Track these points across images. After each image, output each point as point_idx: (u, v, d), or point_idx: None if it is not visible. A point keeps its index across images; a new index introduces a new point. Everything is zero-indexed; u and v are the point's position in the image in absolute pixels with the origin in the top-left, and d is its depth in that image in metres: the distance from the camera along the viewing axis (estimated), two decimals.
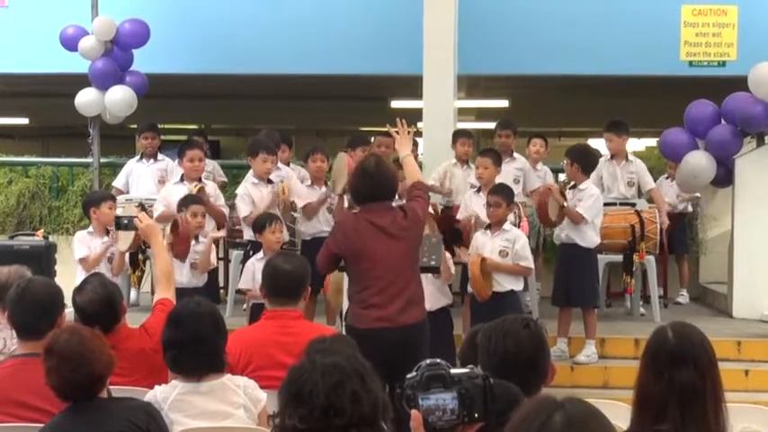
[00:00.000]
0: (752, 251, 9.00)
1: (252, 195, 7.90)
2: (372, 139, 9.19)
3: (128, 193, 9.34)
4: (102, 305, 4.50)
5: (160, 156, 9.60)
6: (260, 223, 7.32)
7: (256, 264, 6.99)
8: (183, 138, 10.50)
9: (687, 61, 11.36)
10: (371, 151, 7.79)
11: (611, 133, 9.02)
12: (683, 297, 10.00)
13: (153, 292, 9.01)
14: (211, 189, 8.24)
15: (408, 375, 2.38)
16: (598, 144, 10.36)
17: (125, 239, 7.27)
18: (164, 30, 10.48)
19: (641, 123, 13.20)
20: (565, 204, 7.70)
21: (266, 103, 16.21)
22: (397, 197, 6.91)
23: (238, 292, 7.87)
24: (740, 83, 8.93)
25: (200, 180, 8.24)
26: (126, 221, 5.56)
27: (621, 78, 11.98)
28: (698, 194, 9.88)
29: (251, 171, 8.10)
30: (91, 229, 7.47)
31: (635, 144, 14.55)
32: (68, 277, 6.93)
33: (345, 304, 6.14)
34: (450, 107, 9.49)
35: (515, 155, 9.11)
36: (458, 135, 9.06)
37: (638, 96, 13.49)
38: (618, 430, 2.53)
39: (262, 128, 9.91)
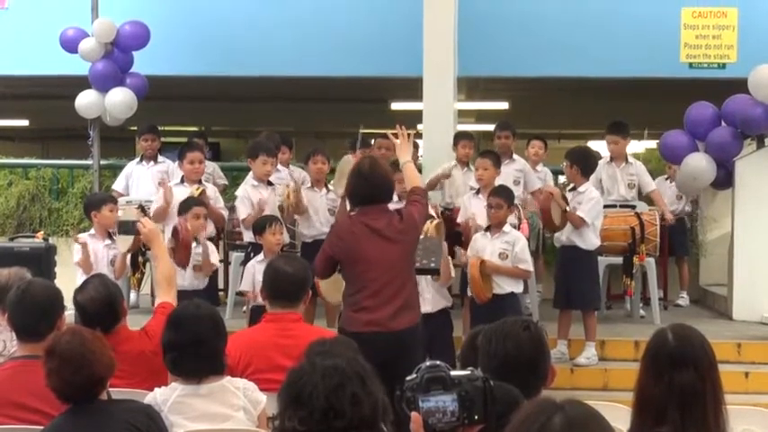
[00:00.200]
0: (752, 253, 9.00)
1: (251, 197, 7.91)
2: (373, 141, 9.20)
3: (128, 195, 9.34)
4: (102, 304, 4.50)
5: (160, 158, 9.60)
6: (260, 225, 7.33)
7: (256, 266, 7.00)
8: (184, 140, 10.51)
9: (687, 63, 11.35)
10: (369, 153, 7.80)
11: (616, 135, 9.01)
12: (683, 299, 10.00)
13: (153, 294, 9.05)
14: (211, 191, 8.25)
15: (408, 377, 2.39)
16: (598, 146, 10.36)
17: (124, 241, 7.28)
18: (164, 32, 10.47)
19: (642, 125, 13.20)
20: (567, 209, 7.70)
21: (266, 105, 16.21)
22: (396, 198, 6.92)
23: (238, 294, 7.87)
24: (740, 85, 8.94)
25: (199, 182, 8.25)
26: (128, 226, 5.57)
27: (622, 80, 11.97)
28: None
29: (251, 173, 8.11)
30: (92, 231, 7.48)
31: (635, 146, 14.53)
32: (68, 279, 6.93)
33: None
34: (450, 109, 9.48)
35: (515, 156, 9.12)
36: (459, 137, 9.06)
37: (639, 98, 13.48)
38: None
39: (262, 130, 9.91)
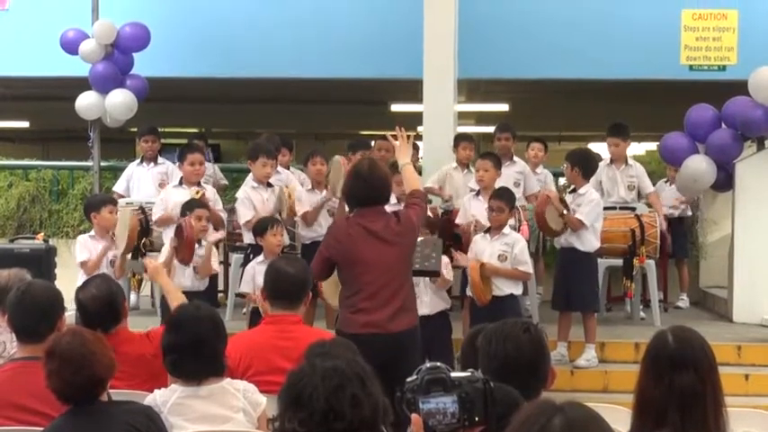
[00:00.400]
0: (752, 255, 9.00)
1: (252, 199, 7.91)
2: (373, 143, 9.20)
3: (128, 196, 9.34)
4: (103, 303, 4.51)
5: (160, 159, 9.61)
6: (261, 226, 7.32)
7: (256, 267, 6.99)
8: (184, 141, 10.51)
9: (687, 65, 11.36)
10: (369, 155, 7.79)
11: (617, 138, 9.01)
12: (684, 301, 10.00)
13: (153, 296, 9.06)
14: (210, 194, 8.24)
15: (409, 379, 2.39)
16: (599, 148, 10.36)
17: (120, 242, 7.30)
18: (164, 33, 10.48)
19: (642, 128, 13.20)
20: (565, 213, 7.68)
21: (266, 106, 16.22)
22: (395, 200, 6.92)
23: (238, 295, 7.87)
24: (740, 87, 8.94)
25: (199, 184, 8.25)
26: (134, 270, 5.58)
27: (622, 82, 11.98)
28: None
29: (251, 175, 8.11)
30: (92, 232, 7.48)
31: (636, 148, 14.54)
32: (68, 280, 6.93)
33: None
34: (451, 111, 9.49)
35: (515, 158, 9.11)
36: (460, 139, 9.05)
37: (639, 100, 13.49)
38: None
39: (262, 131, 9.90)
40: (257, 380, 4.32)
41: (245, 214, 7.88)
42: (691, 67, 11.36)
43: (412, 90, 10.54)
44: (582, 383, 7.56)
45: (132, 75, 10.12)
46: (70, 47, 9.96)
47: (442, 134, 9.20)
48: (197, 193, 7.96)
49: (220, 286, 9.04)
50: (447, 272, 7.05)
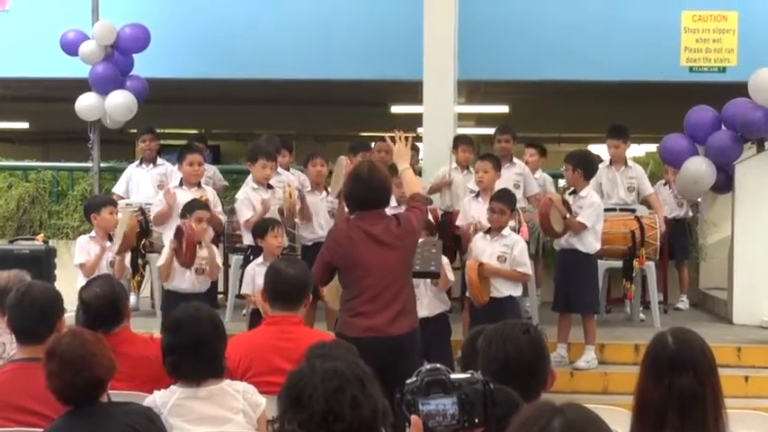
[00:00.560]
0: (752, 257, 9.00)
1: (252, 200, 7.90)
2: (373, 144, 9.20)
3: (128, 198, 9.34)
4: (106, 302, 4.51)
5: (159, 160, 9.61)
6: (261, 228, 7.32)
7: (256, 268, 6.99)
8: (184, 142, 10.51)
9: (687, 67, 11.37)
10: (369, 157, 7.79)
11: (617, 139, 9.00)
12: (683, 303, 10.00)
13: (153, 297, 9.06)
14: (210, 196, 8.24)
15: (408, 380, 2.38)
16: (598, 149, 10.36)
17: (116, 241, 7.32)
18: (164, 34, 10.48)
19: (642, 129, 13.21)
20: (568, 216, 7.67)
21: (266, 107, 16.23)
22: (396, 203, 6.91)
23: (238, 296, 7.86)
24: (740, 89, 8.94)
25: (199, 185, 8.25)
26: None
27: (622, 84, 11.99)
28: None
29: (250, 176, 8.10)
30: (93, 233, 7.48)
31: (635, 150, 14.53)
32: (68, 282, 6.94)
33: None
34: (451, 112, 9.49)
35: (515, 160, 9.11)
36: (459, 141, 9.05)
37: (639, 102, 13.49)
38: None
39: (262, 133, 9.90)
40: (257, 381, 4.31)
41: (245, 214, 7.88)
42: (691, 69, 11.37)
43: (412, 91, 10.54)
44: (581, 385, 7.56)
45: (132, 76, 10.12)
46: (70, 48, 9.96)
47: (441, 135, 9.21)
48: (201, 198, 7.94)
49: (220, 288, 9.04)
50: (447, 272, 7.05)
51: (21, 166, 11.82)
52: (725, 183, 9.05)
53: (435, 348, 6.62)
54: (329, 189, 8.43)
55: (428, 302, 6.95)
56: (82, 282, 7.29)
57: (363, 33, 11.48)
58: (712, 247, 10.42)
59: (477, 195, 8.09)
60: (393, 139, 5.99)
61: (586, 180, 7.92)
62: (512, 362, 3.18)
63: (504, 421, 2.18)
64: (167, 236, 7.64)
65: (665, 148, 9.18)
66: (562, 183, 10.27)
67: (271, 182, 8.08)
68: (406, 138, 5.97)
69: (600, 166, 8.75)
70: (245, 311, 7.97)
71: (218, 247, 8.18)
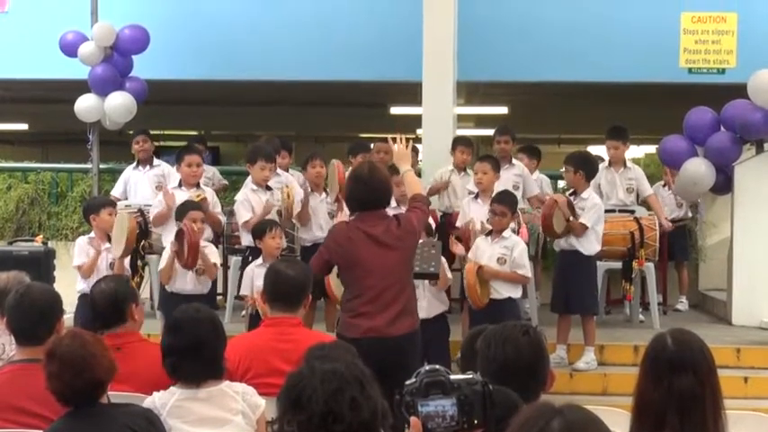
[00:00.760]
0: (751, 258, 9.00)
1: (251, 201, 7.90)
2: (372, 145, 9.20)
3: (126, 200, 9.33)
4: (108, 299, 4.51)
5: (156, 161, 9.60)
6: (260, 229, 7.31)
7: (255, 270, 6.99)
8: (183, 144, 10.51)
9: (686, 68, 11.37)
10: (369, 157, 7.79)
11: (616, 141, 9.00)
12: (683, 304, 10.00)
13: (152, 298, 9.05)
14: (210, 197, 8.24)
15: (407, 382, 2.38)
16: (598, 151, 10.36)
17: (118, 245, 7.30)
18: (163, 36, 10.48)
19: (641, 130, 13.20)
20: (571, 219, 7.66)
21: (266, 109, 16.22)
22: (395, 203, 6.91)
23: (237, 298, 7.86)
24: (739, 90, 8.94)
25: (198, 186, 8.25)
26: None
27: (621, 85, 11.98)
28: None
29: (250, 177, 8.10)
30: (92, 235, 7.48)
31: (635, 151, 14.54)
32: (67, 283, 6.95)
33: None
34: (450, 114, 9.49)
35: (514, 161, 9.10)
36: (457, 142, 9.05)
37: (638, 103, 13.50)
38: None
39: (261, 134, 9.91)
40: (256, 382, 4.31)
41: (243, 215, 7.88)
42: (690, 70, 11.36)
43: (411, 93, 10.53)
44: (581, 386, 7.56)
45: (131, 77, 10.12)
46: (69, 49, 9.96)
47: (441, 137, 9.20)
48: (198, 197, 7.95)
49: (219, 289, 9.03)
50: (446, 271, 7.05)
51: (20, 167, 11.81)
52: (724, 184, 9.05)
53: (433, 350, 6.62)
54: (328, 191, 8.43)
55: (427, 304, 6.93)
56: (81, 283, 7.33)
57: (363, 35, 11.48)
58: (711, 249, 10.42)
59: (477, 197, 8.09)
60: (393, 140, 6.00)
61: (588, 181, 7.92)
62: (511, 363, 3.18)
63: (504, 422, 2.18)
64: (167, 237, 7.63)
65: (665, 150, 9.18)
66: (561, 184, 10.27)
67: (270, 183, 8.08)
68: (407, 140, 5.97)
69: (599, 167, 8.75)
70: (244, 313, 7.97)
71: (217, 247, 8.18)
